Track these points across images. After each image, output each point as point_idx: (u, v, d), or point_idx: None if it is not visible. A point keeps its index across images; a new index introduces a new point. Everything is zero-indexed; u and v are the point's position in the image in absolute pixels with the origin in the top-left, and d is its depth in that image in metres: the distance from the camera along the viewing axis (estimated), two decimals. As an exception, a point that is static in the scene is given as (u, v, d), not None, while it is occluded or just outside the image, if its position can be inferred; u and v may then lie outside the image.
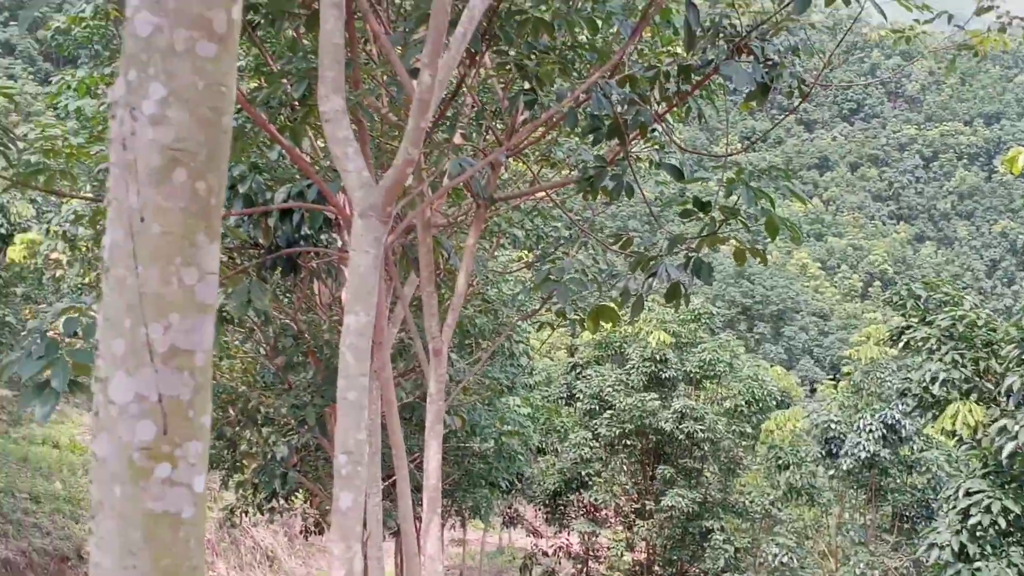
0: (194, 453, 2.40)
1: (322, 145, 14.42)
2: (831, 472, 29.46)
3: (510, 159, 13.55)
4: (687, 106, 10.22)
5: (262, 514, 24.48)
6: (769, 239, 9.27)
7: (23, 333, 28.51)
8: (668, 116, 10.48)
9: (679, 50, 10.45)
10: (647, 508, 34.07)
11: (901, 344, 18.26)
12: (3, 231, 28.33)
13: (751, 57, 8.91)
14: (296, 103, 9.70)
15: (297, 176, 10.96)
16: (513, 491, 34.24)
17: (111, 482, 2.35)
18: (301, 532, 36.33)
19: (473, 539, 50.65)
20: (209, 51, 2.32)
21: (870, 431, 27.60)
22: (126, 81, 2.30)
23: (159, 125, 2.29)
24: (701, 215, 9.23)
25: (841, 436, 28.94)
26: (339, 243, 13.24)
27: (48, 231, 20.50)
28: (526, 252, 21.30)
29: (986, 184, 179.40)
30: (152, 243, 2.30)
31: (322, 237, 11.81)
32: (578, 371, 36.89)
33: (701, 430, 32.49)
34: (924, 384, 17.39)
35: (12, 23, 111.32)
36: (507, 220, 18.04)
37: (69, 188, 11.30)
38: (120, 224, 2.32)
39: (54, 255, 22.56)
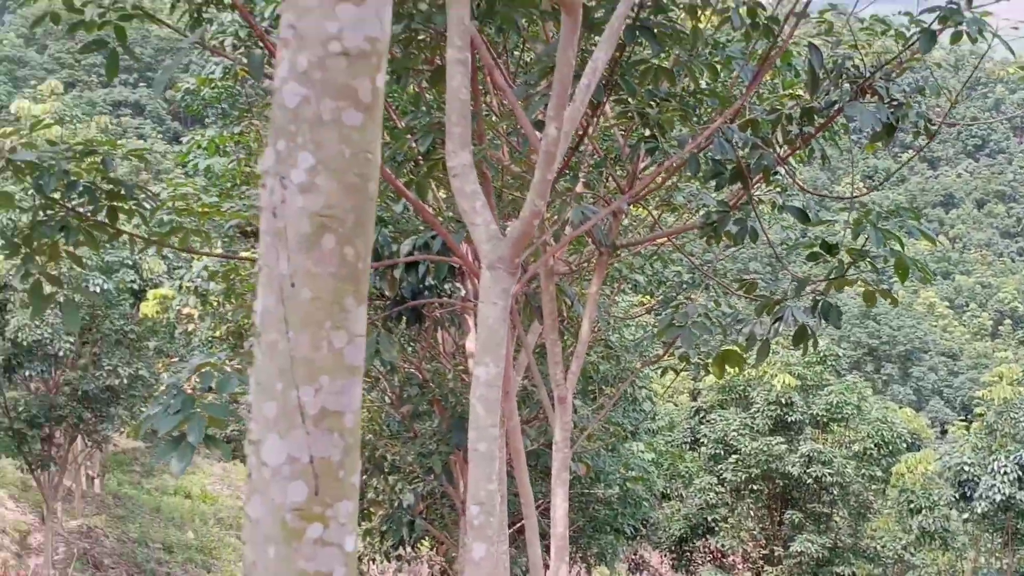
0: (344, 513, 2.44)
1: (444, 196, 14.60)
2: (965, 516, 28.77)
3: (631, 205, 13.54)
4: (811, 148, 10.13)
5: (389, 562, 24.66)
6: (898, 280, 9.12)
7: (160, 388, 29.18)
8: (791, 158, 10.40)
9: (800, 92, 10.38)
10: (776, 554, 33.53)
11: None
12: (136, 287, 29.14)
13: (875, 97, 8.82)
14: (420, 157, 9.84)
15: (421, 228, 11.09)
16: (638, 537, 33.94)
17: (264, 543, 2.39)
18: (428, 580, 36.51)
19: (598, 586, 50.27)
20: (355, 120, 2.37)
21: (1005, 473, 26.91)
22: (275, 151, 2.37)
23: (308, 193, 2.35)
24: (828, 257, 9.12)
25: (975, 479, 28.25)
26: (462, 292, 13.35)
27: (180, 287, 21.00)
28: (647, 297, 21.23)
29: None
30: (302, 308, 2.35)
31: (446, 287, 11.90)
32: (702, 415, 36.54)
33: (829, 474, 31.94)
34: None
35: (141, 84, 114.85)
36: (628, 266, 18.02)
37: (201, 246, 11.59)
38: (271, 290, 2.37)
39: (186, 310, 23.12)
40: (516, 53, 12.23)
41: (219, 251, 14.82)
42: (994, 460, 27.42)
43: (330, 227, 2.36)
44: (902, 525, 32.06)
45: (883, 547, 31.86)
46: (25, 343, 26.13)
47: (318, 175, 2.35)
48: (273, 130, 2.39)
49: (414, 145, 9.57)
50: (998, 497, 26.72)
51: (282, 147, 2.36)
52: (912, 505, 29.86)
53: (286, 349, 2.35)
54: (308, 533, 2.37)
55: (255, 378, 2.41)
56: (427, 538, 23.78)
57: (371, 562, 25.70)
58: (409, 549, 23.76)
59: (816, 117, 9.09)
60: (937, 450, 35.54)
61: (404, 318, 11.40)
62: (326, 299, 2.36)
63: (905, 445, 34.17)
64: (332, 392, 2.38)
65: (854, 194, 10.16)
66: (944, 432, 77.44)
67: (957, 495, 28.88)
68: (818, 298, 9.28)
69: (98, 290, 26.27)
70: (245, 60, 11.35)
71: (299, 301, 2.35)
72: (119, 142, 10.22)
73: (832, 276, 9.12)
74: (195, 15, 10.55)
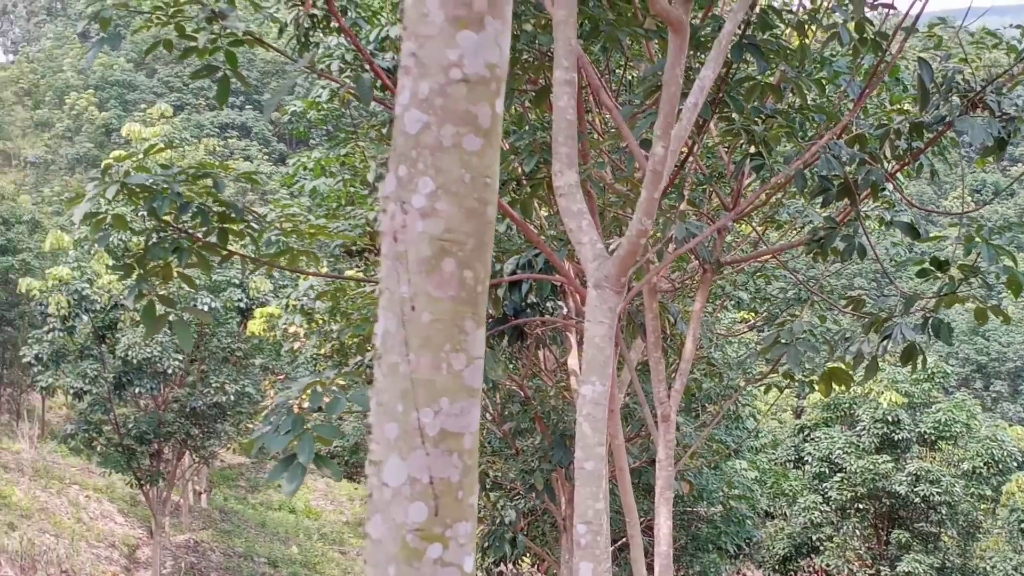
0: (464, 534, 2.46)
1: (546, 215, 14.63)
2: (1081, 537, 28.01)
3: (735, 223, 13.45)
4: (920, 163, 9.99)
5: (492, 578, 24.72)
6: (1011, 296, 8.93)
7: (266, 405, 29.58)
8: (898, 174, 10.26)
9: (908, 106, 10.24)
10: (882, 574, 32.99)
11: None
12: (243, 305, 29.62)
13: (986, 112, 8.67)
14: (524, 177, 9.88)
15: (524, 247, 11.13)
16: (741, 556, 33.59)
17: (386, 563, 2.43)
18: (529, 597, 36.50)
19: (701, 605, 49.82)
20: (475, 145, 2.40)
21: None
22: (396, 177, 2.41)
23: (429, 217, 2.38)
24: (938, 273, 8.97)
25: (1092, 498, 27.51)
26: (564, 310, 13.36)
27: (287, 305, 21.29)
28: (750, 313, 21.05)
29: None
30: (423, 331, 2.39)
31: (548, 305, 11.91)
32: (806, 433, 36.08)
33: (937, 493, 31.35)
34: None
35: (247, 107, 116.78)
36: (732, 283, 17.89)
37: (307, 266, 11.75)
38: (392, 313, 2.41)
39: (292, 328, 23.39)
40: (618, 72, 12.25)
41: (325, 271, 15.02)
42: (1111, 480, 26.71)
43: (450, 251, 2.39)
44: (1013, 545, 31.32)
45: (993, 568, 31.18)
46: (135, 361, 26.66)
47: (438, 200, 2.38)
48: (394, 156, 2.43)
49: (518, 165, 9.62)
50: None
51: (403, 172, 2.40)
52: (1024, 525, 29.20)
53: (407, 371, 2.39)
54: (428, 553, 2.40)
55: (376, 399, 2.45)
56: (528, 555, 23.79)
57: (474, 578, 25.78)
58: (511, 566, 23.80)
59: (925, 132, 8.96)
60: (1050, 469, 34.63)
61: (507, 336, 11.43)
62: (446, 322, 2.39)
63: (1016, 464, 33.43)
64: (452, 414, 2.41)
65: (964, 209, 9.97)
66: (1057, 450, 75.58)
67: (1072, 515, 28.18)
68: (928, 315, 9.13)
69: (207, 309, 26.72)
70: (352, 83, 11.50)
71: (419, 324, 2.38)
72: (228, 164, 10.42)
73: (943, 293, 8.97)
74: (302, 39, 10.73)
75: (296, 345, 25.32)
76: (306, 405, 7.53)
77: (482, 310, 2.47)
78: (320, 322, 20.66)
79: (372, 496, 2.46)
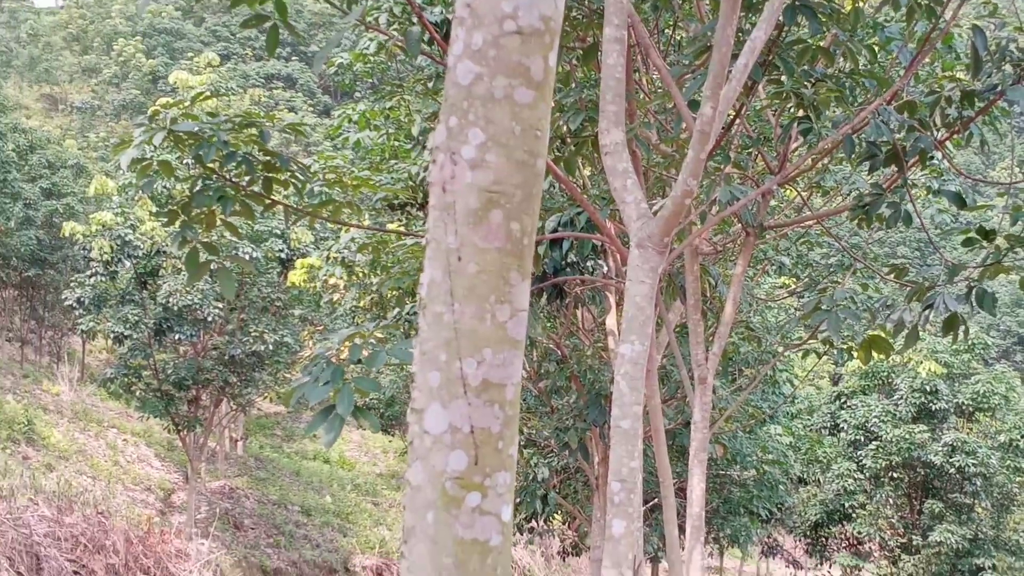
0: (503, 483, 2.48)
1: (589, 174, 14.58)
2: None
3: (780, 187, 13.36)
4: (970, 132, 9.87)
5: (521, 534, 24.85)
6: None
7: (305, 355, 29.73)
8: (948, 143, 10.15)
9: (960, 74, 10.11)
10: (914, 543, 32.90)
11: None
12: (284, 256, 29.72)
13: (1039, 81, 8.55)
14: (569, 135, 9.85)
15: (566, 205, 11.11)
16: (772, 520, 33.63)
17: (424, 509, 2.45)
18: (559, 553, 36.63)
19: (730, 567, 49.94)
20: (527, 97, 2.40)
21: None
22: (447, 127, 2.41)
23: (478, 169, 2.39)
24: (984, 243, 8.88)
25: None
26: (604, 269, 13.33)
27: (327, 257, 21.29)
28: (791, 279, 20.95)
29: None
30: (468, 281, 2.39)
31: (588, 264, 11.89)
32: (842, 400, 35.93)
33: (973, 464, 31.19)
34: None
35: (294, 58, 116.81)
36: (774, 248, 17.79)
37: (350, 218, 11.79)
38: (438, 263, 2.42)
39: (332, 280, 23.44)
40: (668, 31, 12.15)
41: (367, 223, 15.05)
42: None
43: (498, 203, 2.40)
44: (1048, 519, 31.19)
45: (1027, 541, 31.10)
46: (176, 308, 26.81)
47: (488, 151, 2.38)
48: (445, 106, 2.43)
49: (564, 123, 9.58)
50: None
51: (453, 123, 2.40)
52: (1059, 500, 29.00)
53: (451, 320, 2.40)
54: (467, 501, 2.42)
55: (419, 348, 2.47)
56: (560, 512, 23.90)
57: (504, 533, 25.93)
58: (542, 522, 23.93)
59: (976, 100, 8.85)
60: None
61: (546, 294, 11.43)
62: (492, 273, 2.40)
63: (1054, 437, 33.19)
64: (495, 364, 2.43)
65: (1012, 180, 9.85)
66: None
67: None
68: (972, 284, 9.04)
69: (248, 258, 26.82)
70: (400, 36, 11.47)
71: (465, 274, 2.39)
72: (274, 115, 10.43)
73: (988, 263, 8.88)
74: (351, -10, 10.69)
75: (335, 297, 25.38)
76: (345, 357, 7.58)
77: (528, 263, 2.48)
78: (360, 275, 20.71)
79: (413, 443, 2.48)
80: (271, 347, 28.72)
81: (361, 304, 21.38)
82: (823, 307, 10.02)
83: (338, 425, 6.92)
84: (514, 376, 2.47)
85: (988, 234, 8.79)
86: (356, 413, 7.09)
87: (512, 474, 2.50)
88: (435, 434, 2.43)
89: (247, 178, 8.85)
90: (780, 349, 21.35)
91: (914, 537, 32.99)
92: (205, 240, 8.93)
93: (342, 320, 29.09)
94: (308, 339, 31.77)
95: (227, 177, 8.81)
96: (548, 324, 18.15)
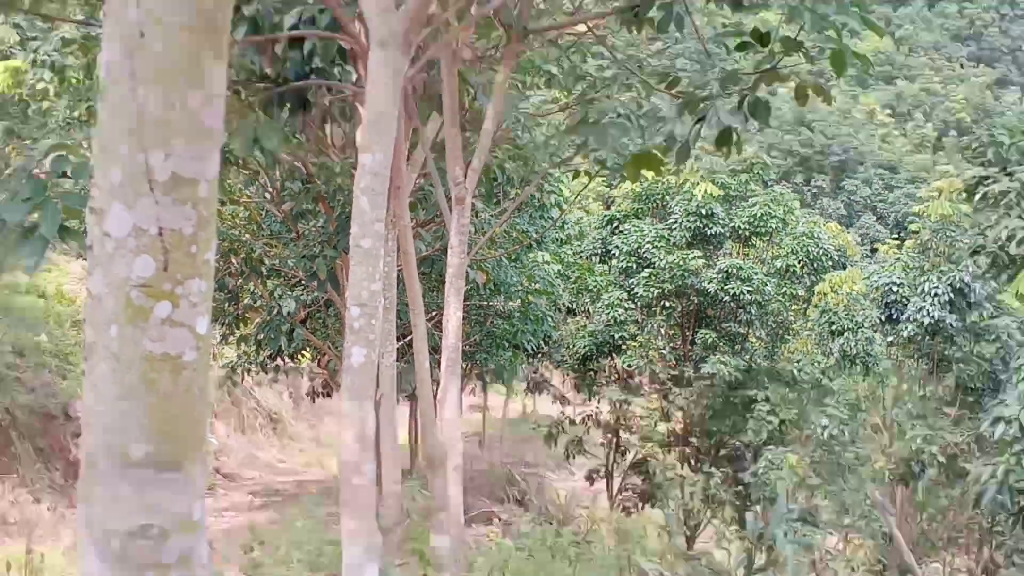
0: (197, 292, 2.42)
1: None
2: (890, 339, 29.52)
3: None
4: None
5: (265, 373, 24.88)
6: (835, 75, 9.10)
7: (6, 172, 28.47)
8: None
9: None
10: (685, 375, 34.10)
11: (977, 198, 18.04)
12: (-16, 59, 28.26)
13: None
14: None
15: (309, 0, 10.82)
16: (539, 355, 34.47)
17: (107, 322, 2.38)
18: (308, 394, 36.87)
19: (494, 405, 51.16)
20: None
21: (936, 295, 27.54)
22: None
23: (161, -72, 2.27)
24: (759, 48, 9.05)
25: (903, 300, 28.90)
26: (354, 78, 13.13)
27: (35, 60, 20.35)
28: (563, 93, 21.10)
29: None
30: (153, 62, 2.29)
31: (335, 71, 11.67)
32: (614, 225, 36.57)
33: (748, 291, 32.36)
34: (1000, 243, 17.29)
35: None
36: (542, 56, 17.82)
37: (57, 11, 11.21)
38: (118, 40, 2.30)
39: (40, 85, 22.48)
40: None
41: (80, 19, 14.35)
42: (925, 281, 27.98)
43: (186, -31, 2.28)
44: (822, 348, 32.74)
45: (800, 371, 32.49)
46: None
47: (172, -92, 2.26)
48: None
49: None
50: (927, 320, 27.40)
51: None
52: (834, 327, 30.47)
53: (134, 108, 2.30)
54: (156, 312, 2.36)
55: (98, 141, 2.36)
56: (308, 348, 23.97)
57: (246, 372, 25.84)
58: (288, 360, 23.98)
59: None
60: (865, 269, 36.14)
61: (288, 104, 11.19)
62: (180, 53, 2.30)
63: (831, 263, 34.51)
64: (186, 157, 2.34)
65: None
66: (874, 250, 78.91)
67: (883, 317, 29.56)
68: (745, 93, 9.24)
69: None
70: None
71: (149, 54, 2.29)
72: None
73: (762, 69, 9.08)
74: None
75: (45, 105, 24.39)
76: (49, 171, 7.29)
77: (223, 42, 2.38)
78: (73, 81, 19.91)
79: (92, 249, 2.39)
80: (-29, 165, 27.57)
81: (76, 114, 20.63)
82: (590, 120, 10.13)
83: (40, 247, 6.69)
84: (209, 171, 2.39)
85: (763, 38, 8.97)
86: (63, 234, 6.86)
87: (209, 282, 2.44)
88: (118, 237, 2.34)
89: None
90: (548, 167, 21.63)
91: (686, 369, 34.20)
92: None
93: (56, 134, 27.94)
94: (15, 155, 30.46)
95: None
96: (293, 140, 17.89)
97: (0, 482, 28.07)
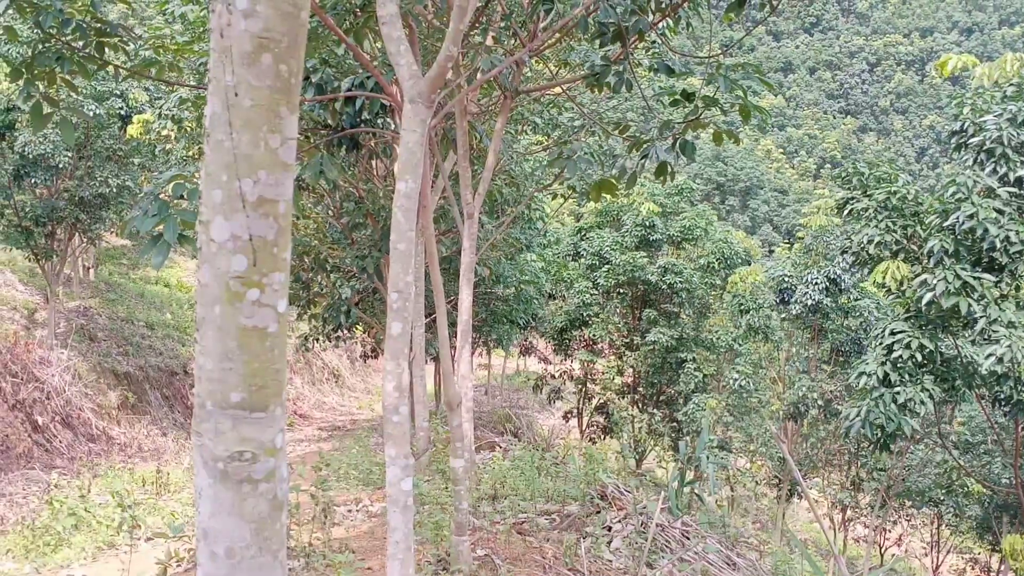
0: (277, 281, 2.43)
1: (379, 46, 14.20)
2: (783, 316, 29.48)
3: (532, 60, 13.31)
4: (678, 16, 9.99)
5: (330, 341, 24.84)
6: (742, 123, 9.11)
7: (140, 196, 28.52)
8: (663, 24, 10.27)
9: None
10: (635, 342, 34.28)
11: (845, 212, 18.04)
12: (123, 112, 28.24)
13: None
14: (359, 9, 9.54)
15: (359, 70, 10.81)
16: (529, 327, 34.50)
17: (212, 303, 2.39)
18: (360, 356, 36.89)
19: (496, 364, 51.29)
20: (289, -44, 2.27)
21: (816, 283, 27.52)
22: (222, -19, 2.27)
23: (250, 18, 2.27)
24: (687, 104, 9.08)
25: (792, 287, 28.86)
26: (392, 126, 13.12)
27: (160, 114, 20.37)
28: (544, 137, 21.09)
29: (919, 86, 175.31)
30: (244, 114, 2.30)
31: (379, 121, 11.67)
32: (583, 234, 36.69)
33: (680, 282, 32.51)
34: (862, 245, 17.30)
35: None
36: (529, 110, 17.83)
37: (175, 78, 11.19)
38: (218, 98, 2.31)
39: (164, 132, 22.49)
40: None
41: (191, 83, 14.33)
42: (808, 273, 27.94)
43: (268, 47, 2.29)
44: (733, 322, 32.69)
45: (718, 339, 32.53)
46: (31, 156, 25.50)
47: (259, 3, 2.27)
48: (220, -37, 2.29)
49: (353, -1, 9.25)
50: (809, 302, 27.37)
51: (228, -22, 2.26)
52: (742, 307, 30.41)
53: (230, 147, 2.30)
54: (248, 296, 2.37)
55: (205, 170, 2.37)
56: (360, 324, 23.94)
57: (315, 341, 25.84)
58: (346, 332, 23.94)
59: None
60: (764, 265, 36.12)
61: (344, 145, 11.19)
62: (264, 106, 2.31)
63: (740, 260, 34.68)
64: (268, 183, 2.35)
65: (712, 55, 10.04)
66: (771, 251, 79.10)
67: (777, 300, 29.49)
68: (677, 136, 9.27)
69: (91, 113, 25.60)
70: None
71: (241, 108, 2.29)
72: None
73: (689, 119, 9.10)
74: None
75: (168, 147, 24.40)
76: (171, 194, 7.29)
77: (295, 100, 2.39)
78: (188, 128, 19.91)
79: (202, 250, 2.40)
80: (114, 190, 27.65)
81: (190, 153, 20.62)
82: (564, 156, 10.12)
83: (164, 250, 6.68)
84: (285, 194, 2.40)
85: (689, 96, 9.00)
86: (181, 240, 6.86)
87: (286, 274, 2.45)
88: (219, 242, 2.35)
89: (81, 42, 8.40)
90: (534, 191, 21.65)
91: (635, 338, 34.33)
92: (47, 95, 8.42)
93: (176, 168, 27.91)
94: (146, 184, 30.44)
95: (64, 41, 8.34)
96: (348, 171, 17.86)
97: (137, 420, 28.12)
